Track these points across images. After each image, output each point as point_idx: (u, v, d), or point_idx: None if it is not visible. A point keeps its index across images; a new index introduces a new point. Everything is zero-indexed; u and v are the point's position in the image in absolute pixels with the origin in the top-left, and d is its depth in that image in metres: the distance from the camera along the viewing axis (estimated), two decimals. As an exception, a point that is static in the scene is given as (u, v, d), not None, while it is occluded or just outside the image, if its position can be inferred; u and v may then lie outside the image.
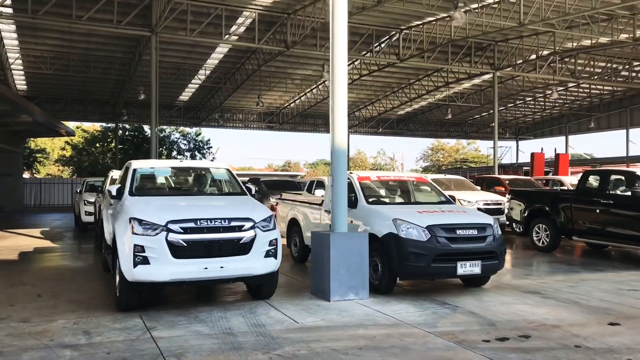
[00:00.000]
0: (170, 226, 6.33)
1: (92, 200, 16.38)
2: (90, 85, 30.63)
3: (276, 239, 6.91)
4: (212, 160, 42.04)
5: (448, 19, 22.95)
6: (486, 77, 31.48)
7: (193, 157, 40.97)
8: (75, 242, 15.01)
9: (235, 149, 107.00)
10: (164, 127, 41.34)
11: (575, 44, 24.72)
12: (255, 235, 6.67)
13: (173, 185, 8.64)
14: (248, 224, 6.66)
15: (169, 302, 7.32)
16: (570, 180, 18.34)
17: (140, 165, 8.07)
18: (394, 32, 24.81)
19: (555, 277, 9.16)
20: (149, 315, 6.50)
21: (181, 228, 6.34)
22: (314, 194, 15.11)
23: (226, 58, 27.79)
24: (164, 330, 5.89)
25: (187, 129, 42.10)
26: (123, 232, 6.54)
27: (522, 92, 33.93)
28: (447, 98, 35.13)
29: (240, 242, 6.57)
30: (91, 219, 16.44)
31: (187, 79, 30.02)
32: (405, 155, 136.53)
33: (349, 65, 29.73)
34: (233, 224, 6.58)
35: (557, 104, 38.30)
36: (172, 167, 8.45)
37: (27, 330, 5.90)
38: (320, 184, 16.59)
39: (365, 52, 25.91)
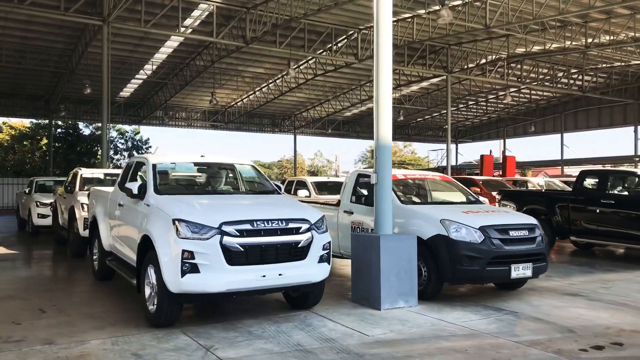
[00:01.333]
0: (225, 228, 5.53)
1: (48, 201, 14.92)
2: (23, 78, 28.19)
3: (329, 242, 6.26)
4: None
5: (410, 19, 23.06)
6: (434, 80, 31.89)
7: (131, 157, 38.82)
8: (34, 248, 13.44)
9: (175, 148, 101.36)
10: (99, 124, 38.96)
11: (528, 49, 25.38)
12: (312, 238, 6.00)
13: (197, 183, 7.75)
14: (305, 226, 5.97)
15: (200, 315, 6.48)
16: (537, 180, 18.70)
17: (159, 160, 7.11)
18: (353, 32, 24.50)
19: (577, 278, 9.04)
20: (193, 332, 5.67)
21: (237, 230, 5.56)
22: (296, 194, 14.52)
23: (176, 53, 26.46)
24: (228, 350, 5.11)
25: (125, 127, 39.92)
26: (164, 236, 5.65)
27: (467, 95, 34.68)
28: (395, 100, 35.31)
29: (298, 246, 5.88)
30: (46, 222, 14.96)
31: (132, 74, 28.33)
32: (345, 157, 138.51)
33: (302, 64, 29.19)
34: (290, 225, 5.86)
35: (497, 108, 39.51)
36: (195, 163, 7.56)
37: (61, 355, 4.95)
38: (302, 184, 16.08)
39: (321, 51, 25.39)
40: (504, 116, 41.46)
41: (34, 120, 36.78)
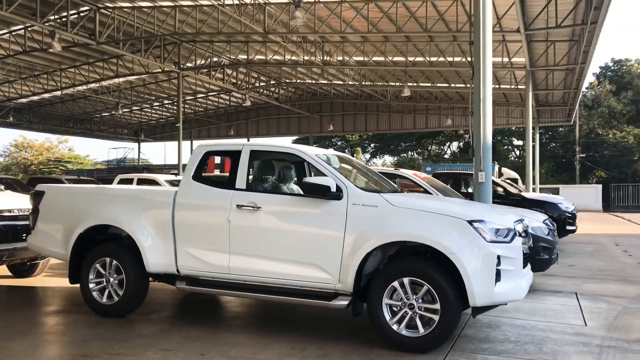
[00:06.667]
0: (517, 228, 5.11)
1: None
2: None
3: None
4: None
5: (169, 9, 21.54)
6: (144, 75, 30.31)
7: None
8: None
9: None
10: None
11: (269, 57, 26.59)
12: None
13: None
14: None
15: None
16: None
17: (318, 152, 5.53)
18: (90, 8, 21.38)
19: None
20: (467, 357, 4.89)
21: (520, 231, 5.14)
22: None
23: None
24: None
25: None
26: (461, 241, 4.77)
27: (171, 95, 34.08)
28: (96, 90, 31.81)
29: None
30: None
31: None
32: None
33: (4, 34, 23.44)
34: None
35: (191, 110, 39.88)
36: (338, 157, 5.91)
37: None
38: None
39: (45, 22, 21.07)
40: (192, 118, 42.13)
41: None
